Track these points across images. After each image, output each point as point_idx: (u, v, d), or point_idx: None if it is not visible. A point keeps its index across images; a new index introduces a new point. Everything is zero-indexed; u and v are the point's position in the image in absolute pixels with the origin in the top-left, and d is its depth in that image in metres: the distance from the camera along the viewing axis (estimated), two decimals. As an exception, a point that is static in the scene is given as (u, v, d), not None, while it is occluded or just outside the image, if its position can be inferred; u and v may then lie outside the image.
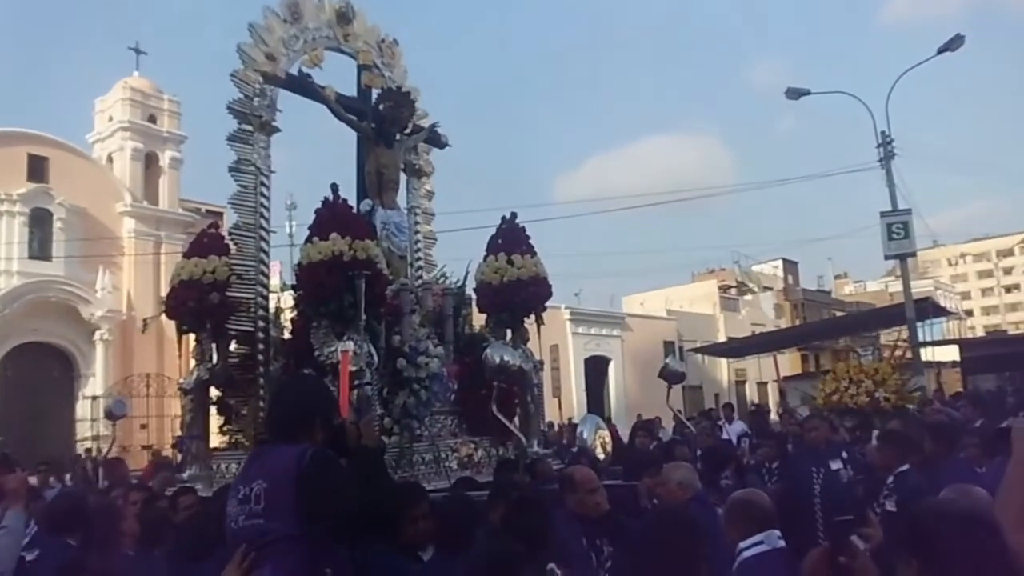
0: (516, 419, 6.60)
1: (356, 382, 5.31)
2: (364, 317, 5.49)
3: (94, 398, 26.84)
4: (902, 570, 2.24)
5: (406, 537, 4.04)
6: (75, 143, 29.63)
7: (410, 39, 7.90)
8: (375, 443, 3.66)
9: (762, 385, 35.47)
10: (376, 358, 5.50)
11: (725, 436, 12.61)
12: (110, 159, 30.31)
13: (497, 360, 5.77)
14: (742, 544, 3.18)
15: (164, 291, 28.71)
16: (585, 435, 5.78)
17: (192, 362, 6.53)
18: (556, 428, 15.99)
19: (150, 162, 30.65)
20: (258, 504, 2.73)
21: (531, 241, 7.39)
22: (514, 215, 7.51)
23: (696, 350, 31.84)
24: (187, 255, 6.58)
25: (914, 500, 5.04)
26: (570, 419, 22.11)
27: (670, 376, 7.44)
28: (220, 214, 36.81)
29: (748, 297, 43.71)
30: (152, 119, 30.83)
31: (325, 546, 2.74)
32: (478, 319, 7.47)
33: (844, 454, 7.38)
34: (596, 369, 33.02)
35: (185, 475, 6.16)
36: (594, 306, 35.15)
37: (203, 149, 58.37)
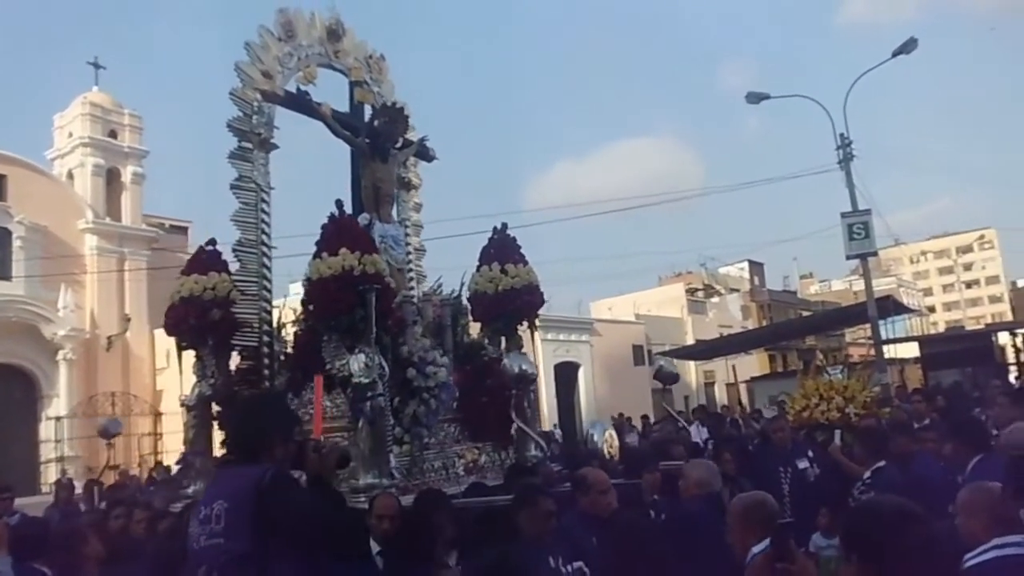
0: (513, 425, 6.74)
1: (369, 394, 5.42)
2: (375, 330, 5.59)
3: (58, 419, 26.37)
4: (844, 566, 2.39)
5: (431, 542, 4.18)
6: (34, 160, 29.13)
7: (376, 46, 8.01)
8: (331, 474, 3.68)
9: (731, 386, 35.93)
10: (386, 369, 5.59)
11: (694, 439, 12.80)
12: (70, 175, 29.82)
13: (516, 369, 5.93)
14: (755, 549, 3.20)
15: (128, 308, 28.72)
16: (596, 438, 5.95)
17: (193, 378, 6.56)
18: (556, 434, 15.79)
19: (111, 178, 30.20)
20: (218, 524, 2.79)
21: (522, 250, 7.55)
22: (505, 225, 7.65)
23: (664, 353, 32.16)
24: (186, 272, 6.61)
25: (894, 492, 5.31)
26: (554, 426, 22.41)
27: (665, 377, 7.65)
28: (184, 229, 36.51)
29: (715, 299, 44.40)
30: (113, 134, 30.41)
31: (285, 566, 2.78)
32: (475, 327, 7.61)
33: (810, 452, 7.53)
34: (566, 375, 33.21)
35: (189, 491, 6.17)
36: (562, 312, 35.39)
37: (165, 163, 57.61)
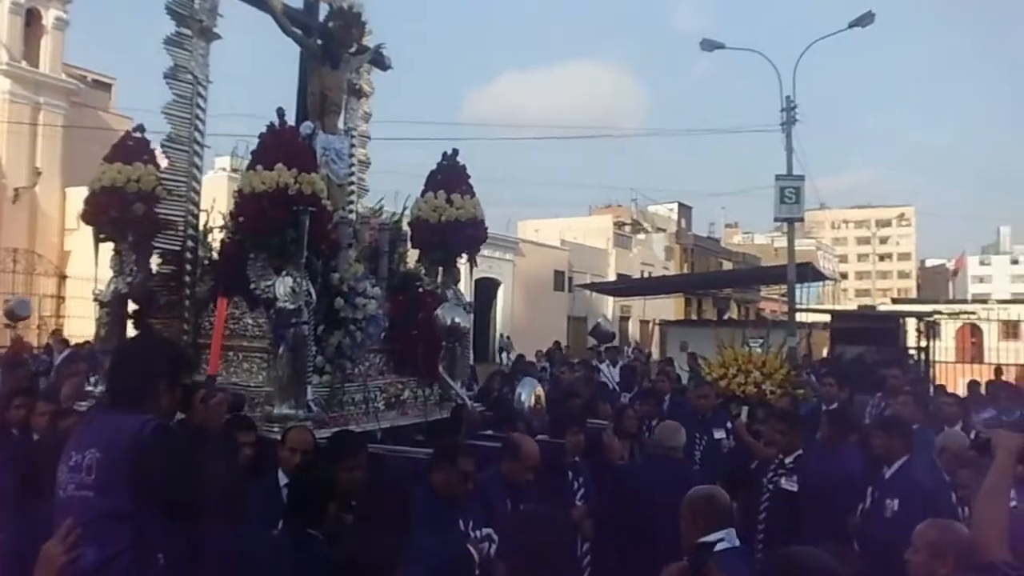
0: (442, 364, 6.62)
1: (293, 320, 5.21)
2: (305, 254, 5.33)
3: (-46, 269, 25.04)
4: None
5: (341, 485, 4.06)
6: (-56, -13, 26.68)
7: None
8: (214, 427, 3.46)
9: (644, 323, 36.75)
10: (314, 296, 5.37)
11: (604, 379, 12.28)
12: (-15, 10, 27.49)
13: (448, 322, 5.79)
14: (702, 540, 3.20)
15: (40, 161, 27.13)
16: (523, 398, 5.86)
17: (109, 272, 6.18)
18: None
19: (31, 19, 27.92)
20: (89, 475, 2.59)
21: (471, 181, 7.33)
22: (456, 151, 7.38)
23: (585, 286, 32.58)
24: (108, 159, 6.12)
25: (817, 482, 5.45)
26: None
27: (600, 335, 7.64)
28: (108, 86, 34.41)
29: (641, 236, 44.87)
30: (35, -31, 28.03)
31: (158, 527, 2.61)
32: (412, 255, 7.41)
33: (729, 424, 7.59)
34: (485, 291, 33.31)
35: (97, 391, 5.89)
36: (490, 227, 35.05)
37: (91, 11, 53.66)
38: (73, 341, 14.77)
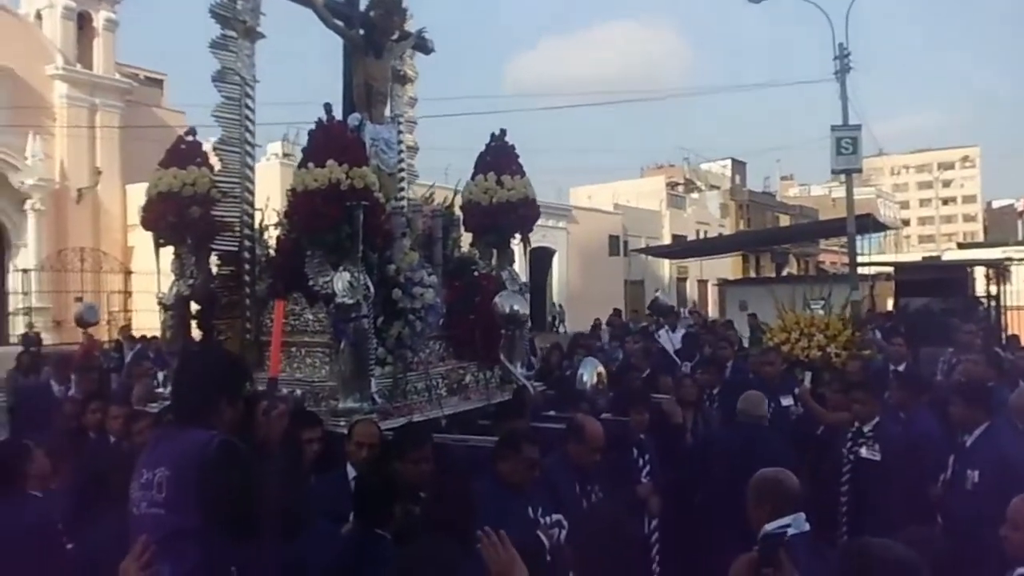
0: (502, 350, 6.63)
1: (353, 315, 5.26)
2: (361, 247, 5.37)
3: (25, 271, 25.94)
4: None
5: (407, 478, 4.11)
6: (-1, -4, 27.40)
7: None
8: (275, 439, 3.48)
9: (702, 283, 36.35)
10: (372, 289, 5.41)
11: (663, 345, 11.90)
12: (39, 16, 28.13)
13: (507, 310, 5.80)
14: (768, 527, 3.12)
15: (100, 161, 27.81)
16: (585, 378, 5.86)
17: (171, 275, 6.33)
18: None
19: (83, 22, 28.55)
20: (160, 492, 2.67)
21: (520, 160, 7.29)
22: (503, 132, 7.34)
23: (640, 250, 32.29)
24: (164, 164, 6.23)
25: (897, 450, 5.31)
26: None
27: (659, 309, 7.59)
28: (160, 82, 35.08)
29: (695, 195, 44.19)
30: (84, -25, 28.57)
31: (230, 543, 2.67)
32: (466, 239, 7.43)
33: (796, 390, 7.35)
34: (540, 260, 33.30)
35: (166, 391, 6.07)
36: (541, 197, 34.98)
37: (141, 11, 54.50)
38: (140, 335, 15.21)
